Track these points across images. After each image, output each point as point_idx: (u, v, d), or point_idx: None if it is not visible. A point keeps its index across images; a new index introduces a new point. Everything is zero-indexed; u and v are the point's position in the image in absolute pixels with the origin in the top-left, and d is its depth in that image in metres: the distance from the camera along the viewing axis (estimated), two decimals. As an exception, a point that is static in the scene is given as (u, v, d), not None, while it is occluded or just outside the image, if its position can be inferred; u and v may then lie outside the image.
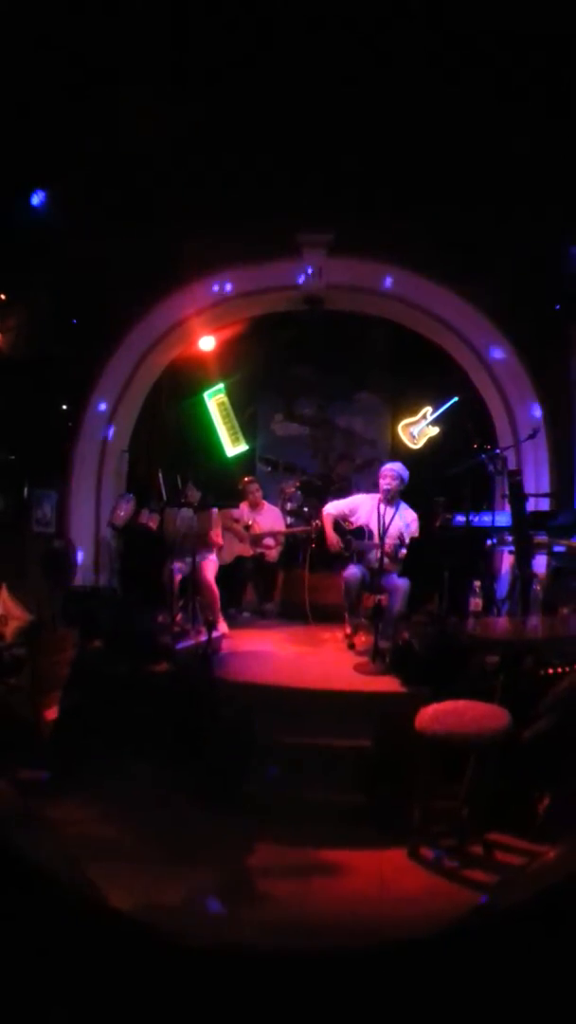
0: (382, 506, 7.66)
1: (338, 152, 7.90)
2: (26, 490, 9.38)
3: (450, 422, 10.76)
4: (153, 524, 8.87)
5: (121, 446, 10.33)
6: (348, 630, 8.02)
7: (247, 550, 9.74)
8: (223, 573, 8.69)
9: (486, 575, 8.41)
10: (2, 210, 7.85)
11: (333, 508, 8.07)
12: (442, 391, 10.85)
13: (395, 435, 11.48)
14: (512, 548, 8.07)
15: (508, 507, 7.91)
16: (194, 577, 8.04)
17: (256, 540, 9.80)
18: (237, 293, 10.07)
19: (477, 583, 8.12)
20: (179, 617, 7.96)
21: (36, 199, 7.92)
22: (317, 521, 9.01)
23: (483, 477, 8.77)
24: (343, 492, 10.16)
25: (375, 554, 7.48)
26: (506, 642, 6.48)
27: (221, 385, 11.46)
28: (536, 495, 8.64)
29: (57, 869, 3.65)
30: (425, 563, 7.21)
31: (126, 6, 5.90)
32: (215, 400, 11.51)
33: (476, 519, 8.18)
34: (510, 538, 8.03)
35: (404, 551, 7.29)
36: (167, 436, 11.42)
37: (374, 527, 7.63)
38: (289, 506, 10.72)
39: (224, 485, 10.10)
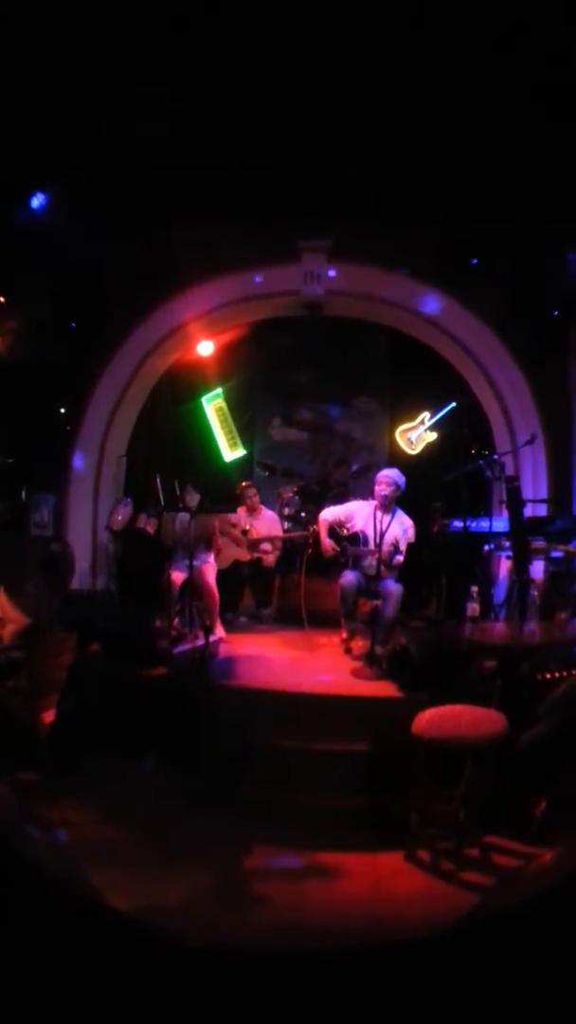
0: (378, 513, 7.65)
1: (337, 158, 7.93)
2: (24, 493, 9.41)
3: (448, 428, 10.77)
4: (151, 528, 8.88)
5: (119, 450, 10.35)
6: (345, 635, 8.02)
7: (244, 555, 9.75)
8: (220, 578, 8.69)
9: (483, 580, 8.42)
10: (1, 212, 7.87)
11: (329, 514, 8.07)
12: (440, 397, 10.87)
13: (393, 440, 11.49)
14: (509, 553, 8.08)
15: (506, 512, 7.93)
16: (194, 581, 8.05)
17: (253, 545, 9.81)
18: (236, 298, 10.10)
19: (474, 588, 8.14)
20: (176, 621, 7.97)
21: (35, 201, 7.94)
22: (314, 526, 9.01)
23: (481, 482, 8.78)
24: (341, 497, 10.16)
25: (371, 560, 7.49)
26: (503, 647, 6.49)
27: (219, 390, 11.49)
28: (534, 500, 8.67)
29: (55, 870, 3.67)
30: (423, 568, 7.22)
31: (126, 8, 5.92)
32: (213, 405, 11.54)
33: (473, 524, 8.21)
34: (507, 543, 8.05)
35: (400, 557, 7.30)
36: (165, 441, 11.44)
37: (370, 533, 7.64)
38: (287, 511, 10.72)
39: (222, 490, 10.11)
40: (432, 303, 9.74)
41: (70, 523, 9.74)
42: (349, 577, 7.69)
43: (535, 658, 6.14)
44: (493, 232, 8.61)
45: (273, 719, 6.21)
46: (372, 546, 7.52)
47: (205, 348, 10.42)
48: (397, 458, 10.60)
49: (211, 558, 8.55)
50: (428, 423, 11.04)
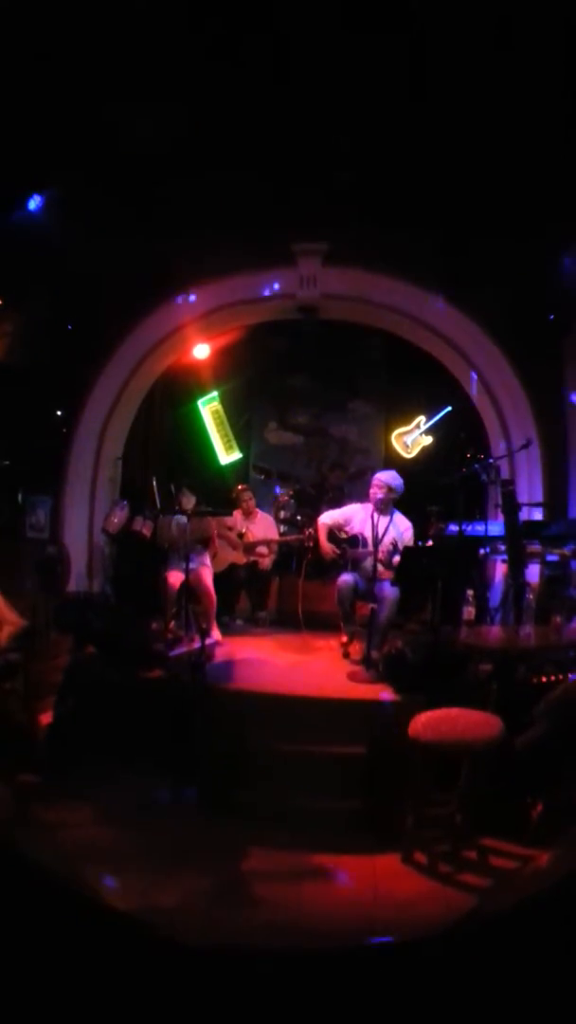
0: (375, 515, 7.68)
1: (332, 163, 7.97)
2: (20, 496, 9.40)
3: (444, 431, 10.82)
4: (147, 531, 8.89)
5: (115, 453, 10.34)
6: (344, 639, 8.04)
7: (240, 558, 9.77)
8: (216, 581, 8.70)
9: (479, 584, 8.44)
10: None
11: (328, 518, 8.08)
12: (436, 401, 10.91)
13: (389, 444, 11.52)
14: (505, 557, 8.10)
15: (501, 516, 7.94)
16: (190, 584, 8.05)
17: (249, 548, 9.83)
18: (232, 301, 10.10)
19: (470, 592, 8.16)
20: (172, 624, 7.99)
21: (33, 204, 7.95)
22: (310, 529, 9.03)
23: (476, 487, 8.80)
24: (336, 501, 10.19)
25: (370, 562, 7.50)
26: (499, 650, 6.52)
27: (215, 393, 11.49)
28: (529, 504, 8.69)
29: (54, 870, 3.67)
30: (418, 572, 7.23)
31: (126, 11, 5.94)
32: (209, 408, 11.54)
33: (469, 528, 8.23)
34: (503, 547, 8.07)
35: (397, 557, 7.31)
36: (161, 444, 11.45)
37: (368, 536, 7.66)
38: (282, 514, 10.74)
39: (218, 493, 10.13)
40: (427, 307, 9.75)
41: (66, 526, 9.72)
42: (346, 579, 7.70)
43: (531, 661, 6.17)
44: (489, 236, 8.63)
45: (270, 722, 6.22)
46: (370, 548, 7.53)
47: (201, 351, 10.41)
48: (393, 462, 10.61)
49: (207, 561, 8.56)
50: (424, 427, 11.07)
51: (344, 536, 7.88)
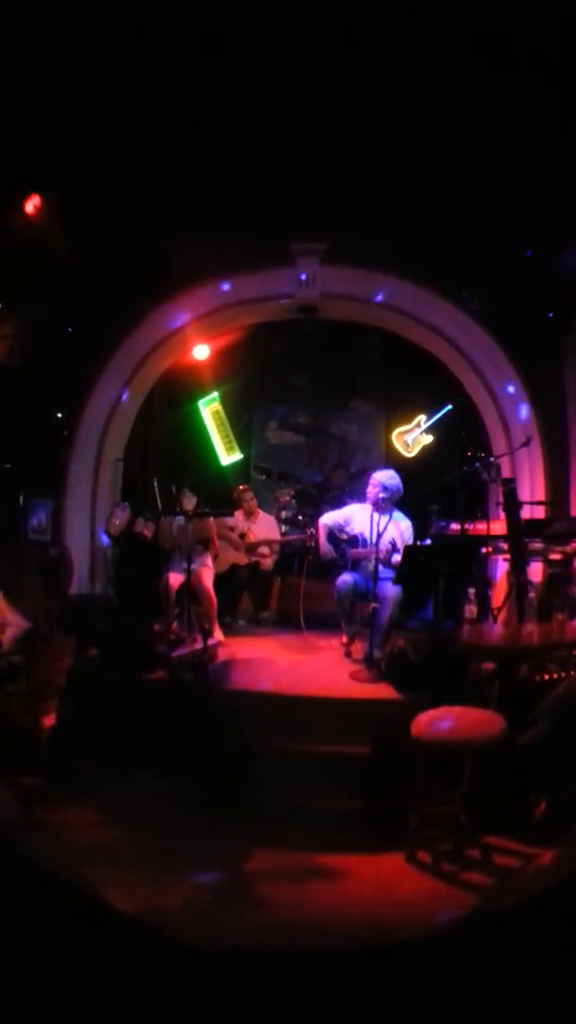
0: (375, 515, 7.68)
1: (332, 161, 7.96)
2: (22, 498, 9.42)
3: (444, 430, 10.82)
4: (148, 532, 8.90)
5: (116, 455, 10.35)
6: (344, 639, 8.04)
7: (242, 559, 9.77)
8: (218, 581, 8.71)
9: (481, 582, 8.44)
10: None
11: (328, 519, 8.08)
12: (436, 399, 10.92)
13: (389, 443, 11.54)
14: (507, 555, 8.10)
15: (503, 515, 7.94)
16: (192, 585, 8.05)
17: (251, 549, 9.83)
18: (231, 302, 10.10)
19: (472, 590, 8.16)
20: (175, 625, 7.99)
21: (31, 205, 7.94)
22: (312, 529, 9.03)
23: (477, 485, 8.79)
24: (338, 500, 10.20)
25: (371, 561, 7.49)
26: (501, 649, 6.51)
27: (216, 394, 11.49)
28: (531, 503, 8.69)
29: (57, 872, 3.68)
30: (420, 570, 7.22)
31: (123, 12, 5.94)
32: (210, 409, 11.54)
33: (470, 527, 8.23)
34: (505, 545, 8.07)
35: (397, 556, 7.30)
36: (162, 445, 11.45)
37: (368, 535, 7.66)
38: (284, 515, 10.75)
39: (219, 493, 10.14)
40: (427, 307, 9.75)
41: (68, 528, 9.73)
42: (345, 579, 7.69)
43: (533, 660, 6.17)
44: (488, 235, 8.63)
45: (272, 722, 6.23)
46: (371, 548, 7.53)
47: (201, 352, 10.42)
48: (394, 461, 10.62)
49: (208, 562, 8.57)
50: (424, 426, 11.08)
51: (345, 536, 7.88)
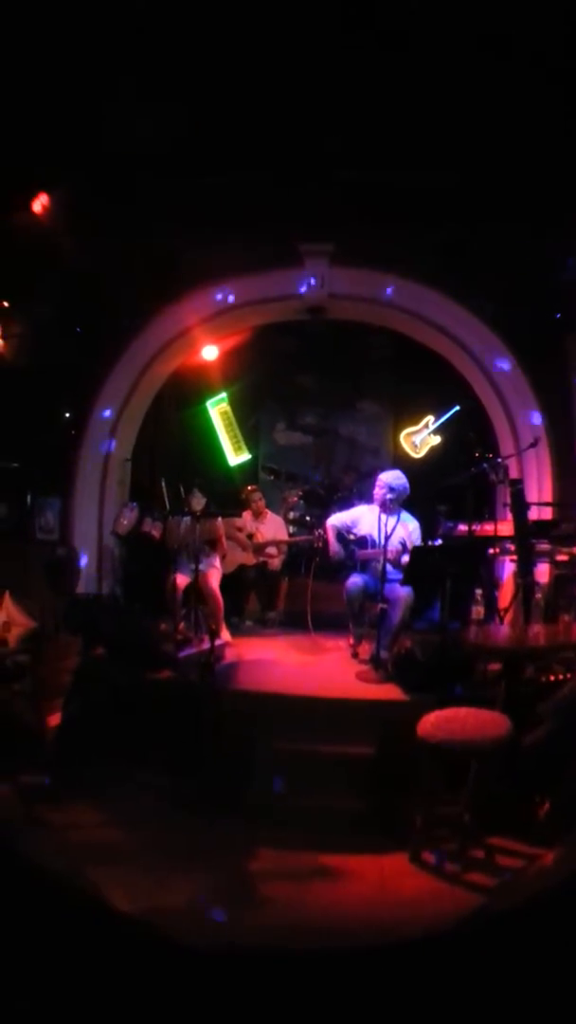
0: (383, 516, 7.67)
1: (339, 162, 7.96)
2: (29, 498, 9.43)
3: (452, 431, 10.79)
4: (156, 533, 8.90)
5: (124, 455, 10.35)
6: (352, 640, 8.03)
7: (250, 559, 9.77)
8: (226, 582, 8.71)
9: (488, 583, 8.42)
10: (5, 216, 7.89)
11: (336, 520, 8.09)
12: (444, 400, 10.89)
13: (397, 444, 11.50)
14: (514, 556, 8.08)
15: (510, 516, 7.92)
16: (199, 585, 8.05)
17: (259, 549, 9.83)
18: (239, 302, 10.09)
19: (479, 591, 8.14)
20: (182, 625, 7.98)
21: (38, 205, 7.95)
22: (320, 530, 9.02)
23: (485, 486, 8.77)
24: (345, 501, 10.20)
25: (379, 562, 7.48)
26: (508, 650, 6.51)
27: (224, 394, 11.46)
28: (539, 504, 8.66)
29: (60, 872, 3.68)
30: (427, 571, 7.20)
31: (126, 10, 5.94)
32: (218, 409, 11.53)
33: (478, 528, 8.21)
34: (512, 546, 8.05)
35: (406, 557, 7.28)
36: (170, 445, 11.44)
37: (376, 536, 7.65)
38: (292, 515, 10.75)
39: (227, 494, 10.14)
40: (434, 307, 9.73)
41: (75, 527, 9.73)
42: (355, 580, 7.69)
43: (539, 661, 6.16)
44: (495, 234, 8.62)
45: (278, 722, 6.23)
46: (379, 549, 7.51)
47: (209, 352, 10.41)
48: (401, 461, 10.58)
49: (216, 562, 8.56)
50: (432, 426, 11.05)
51: (353, 537, 7.87)
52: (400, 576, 7.34)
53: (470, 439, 8.90)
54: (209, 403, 11.49)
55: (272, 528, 10.11)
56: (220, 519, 8.55)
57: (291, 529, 10.45)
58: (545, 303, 8.98)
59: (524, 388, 9.46)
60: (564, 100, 6.48)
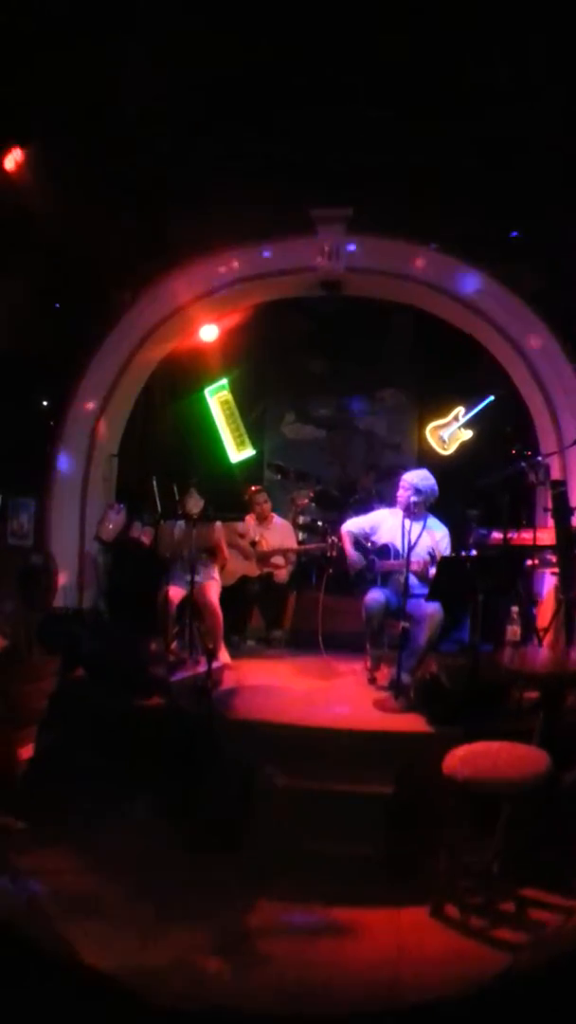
0: (407, 521, 7.64)
1: (358, 116, 7.92)
2: (1, 498, 9.46)
3: (485, 424, 10.78)
4: (146, 539, 8.94)
5: (110, 450, 10.39)
6: (369, 663, 8.03)
7: (253, 569, 9.78)
8: (226, 595, 8.73)
9: (525, 600, 8.43)
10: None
11: (353, 525, 8.08)
12: (476, 389, 10.89)
13: (423, 439, 11.50)
14: (555, 569, 8.08)
15: (551, 522, 7.92)
16: (195, 599, 8.07)
17: (264, 558, 9.84)
18: (242, 276, 10.11)
19: (515, 609, 8.14)
20: (175, 645, 8.01)
21: (10, 162, 7.90)
22: (333, 537, 9.02)
23: (522, 488, 8.77)
24: (364, 504, 10.19)
25: (402, 575, 7.46)
26: (547, 675, 6.50)
27: (224, 381, 11.50)
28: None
29: (27, 926, 3.70)
30: (456, 585, 7.21)
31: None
32: (218, 398, 11.56)
33: (514, 536, 8.22)
34: (553, 558, 8.05)
35: (433, 569, 7.28)
36: (163, 439, 11.46)
37: (399, 545, 7.63)
38: (302, 520, 10.76)
39: (227, 495, 10.14)
40: (468, 282, 9.73)
41: (53, 532, 9.76)
42: (376, 596, 7.67)
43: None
44: (539, 201, 8.60)
45: (284, 757, 6.24)
46: (402, 559, 7.49)
47: (208, 333, 10.45)
48: (428, 459, 10.58)
49: (215, 573, 8.59)
50: (463, 419, 11.04)
51: (372, 546, 7.86)
52: (426, 591, 7.33)
53: (506, 434, 8.92)
54: (207, 391, 11.51)
55: (279, 534, 10.11)
56: (219, 524, 8.58)
57: (300, 536, 10.45)
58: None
59: (569, 376, 9.45)
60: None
